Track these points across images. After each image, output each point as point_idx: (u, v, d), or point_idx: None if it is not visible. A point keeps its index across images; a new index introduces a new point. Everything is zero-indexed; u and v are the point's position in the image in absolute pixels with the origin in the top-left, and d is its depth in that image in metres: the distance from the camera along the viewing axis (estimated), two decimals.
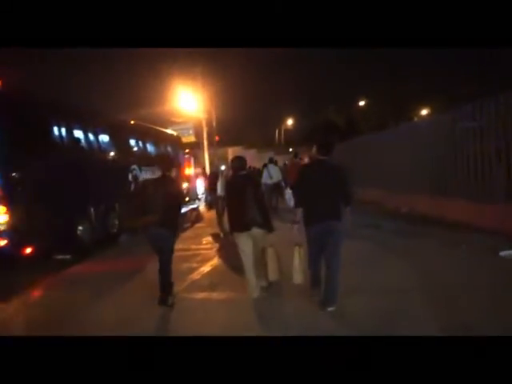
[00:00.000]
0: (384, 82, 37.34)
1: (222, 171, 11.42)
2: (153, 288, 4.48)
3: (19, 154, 6.43)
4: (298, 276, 4.19)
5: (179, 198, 4.59)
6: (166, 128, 17.48)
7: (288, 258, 4.16)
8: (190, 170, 17.29)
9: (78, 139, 8.32)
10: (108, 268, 6.74)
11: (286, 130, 45.55)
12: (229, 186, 4.84)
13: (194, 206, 14.75)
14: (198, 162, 24.03)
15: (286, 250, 4.17)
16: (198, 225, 10.44)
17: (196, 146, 25.14)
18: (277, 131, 45.24)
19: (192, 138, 27.11)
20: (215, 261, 6.42)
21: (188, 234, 9.49)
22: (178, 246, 7.83)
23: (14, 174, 6.42)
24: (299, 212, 4.10)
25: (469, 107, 7.79)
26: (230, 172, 5.16)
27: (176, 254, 6.92)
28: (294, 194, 4.53)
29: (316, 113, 40.56)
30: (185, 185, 15.05)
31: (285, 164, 16.83)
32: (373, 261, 5.61)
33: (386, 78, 37.60)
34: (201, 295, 4.84)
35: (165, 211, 4.27)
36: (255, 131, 42.23)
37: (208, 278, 5.52)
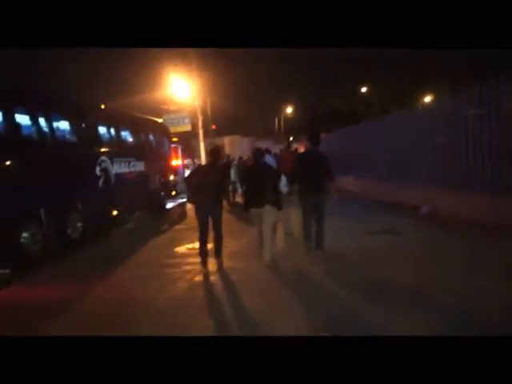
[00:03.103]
0: (386, 68, 35.93)
1: (232, 160, 14.00)
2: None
3: None
4: (296, 229, 5.81)
5: (224, 181, 5.94)
6: (161, 116, 15.91)
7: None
8: (177, 161, 15.80)
9: (21, 125, 6.71)
10: (48, 293, 5.22)
11: (286, 118, 43.99)
12: (249, 170, 5.88)
13: (184, 200, 13.20)
14: (194, 152, 22.62)
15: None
16: (177, 227, 8.87)
17: (191, 136, 23.89)
18: (276, 119, 43.70)
19: (188, 127, 25.92)
20: (178, 288, 4.72)
21: (160, 240, 7.87)
22: (139, 257, 6.34)
23: None
24: (295, 186, 5.74)
25: (475, 91, 6.93)
26: (252, 160, 6.37)
27: (133, 273, 5.44)
28: (294, 174, 5.90)
29: (316, 100, 39.14)
30: (171, 177, 13.65)
31: (275, 154, 15.66)
32: None
33: (388, 64, 36.18)
34: None
35: (215, 190, 5.34)
36: (253, 119, 40.69)
37: (161, 323, 3.76)
